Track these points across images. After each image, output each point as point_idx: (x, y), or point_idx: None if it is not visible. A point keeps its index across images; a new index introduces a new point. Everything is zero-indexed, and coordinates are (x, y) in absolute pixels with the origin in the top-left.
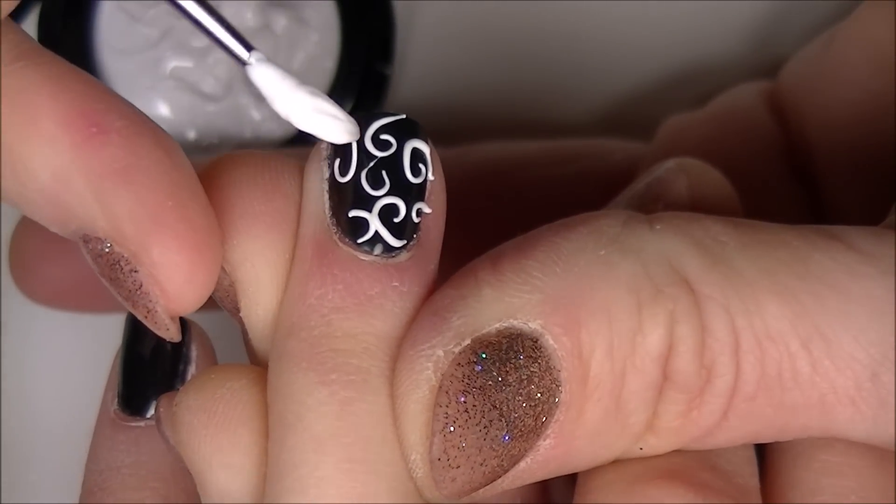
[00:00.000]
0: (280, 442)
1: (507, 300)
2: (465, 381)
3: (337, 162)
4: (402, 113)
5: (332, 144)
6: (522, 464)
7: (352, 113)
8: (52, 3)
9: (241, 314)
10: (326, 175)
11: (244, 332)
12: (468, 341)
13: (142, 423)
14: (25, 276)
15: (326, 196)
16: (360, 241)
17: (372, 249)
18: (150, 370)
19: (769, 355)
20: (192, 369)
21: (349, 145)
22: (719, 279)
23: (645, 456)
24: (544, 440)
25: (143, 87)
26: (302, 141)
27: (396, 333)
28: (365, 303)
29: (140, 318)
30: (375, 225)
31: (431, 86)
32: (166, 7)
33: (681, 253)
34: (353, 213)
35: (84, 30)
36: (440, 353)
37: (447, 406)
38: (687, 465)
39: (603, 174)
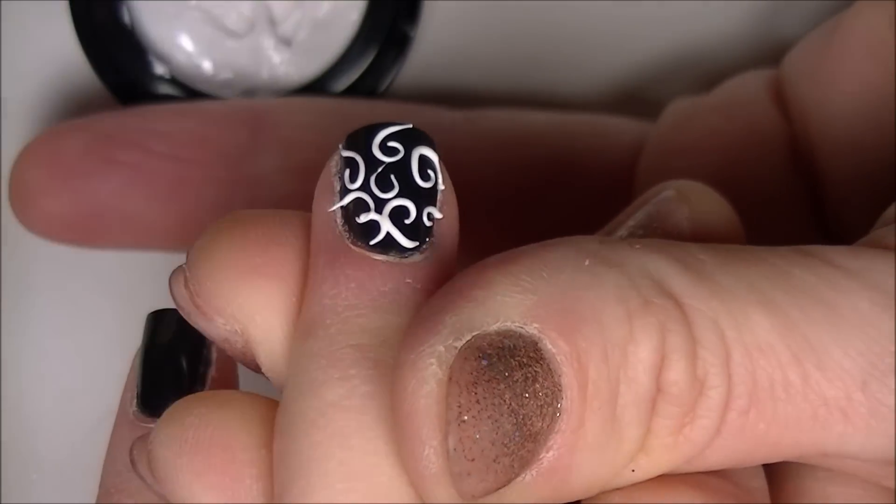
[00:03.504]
0: (299, 440)
1: (500, 299)
2: (474, 373)
3: (346, 173)
4: (409, 123)
5: (342, 158)
6: (527, 476)
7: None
8: None
9: (264, 370)
10: (338, 188)
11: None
12: (469, 337)
13: None
14: (25, 208)
15: (338, 206)
16: (372, 242)
17: (384, 251)
18: (170, 371)
19: (760, 367)
20: (212, 371)
21: (357, 157)
22: (705, 293)
23: (637, 480)
24: (547, 451)
25: (167, 15)
26: (318, 88)
27: None
28: (378, 298)
29: None
30: (387, 227)
31: (448, 52)
32: None
33: (663, 269)
34: (363, 217)
35: None
36: (441, 348)
37: (459, 395)
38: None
39: (607, 153)
